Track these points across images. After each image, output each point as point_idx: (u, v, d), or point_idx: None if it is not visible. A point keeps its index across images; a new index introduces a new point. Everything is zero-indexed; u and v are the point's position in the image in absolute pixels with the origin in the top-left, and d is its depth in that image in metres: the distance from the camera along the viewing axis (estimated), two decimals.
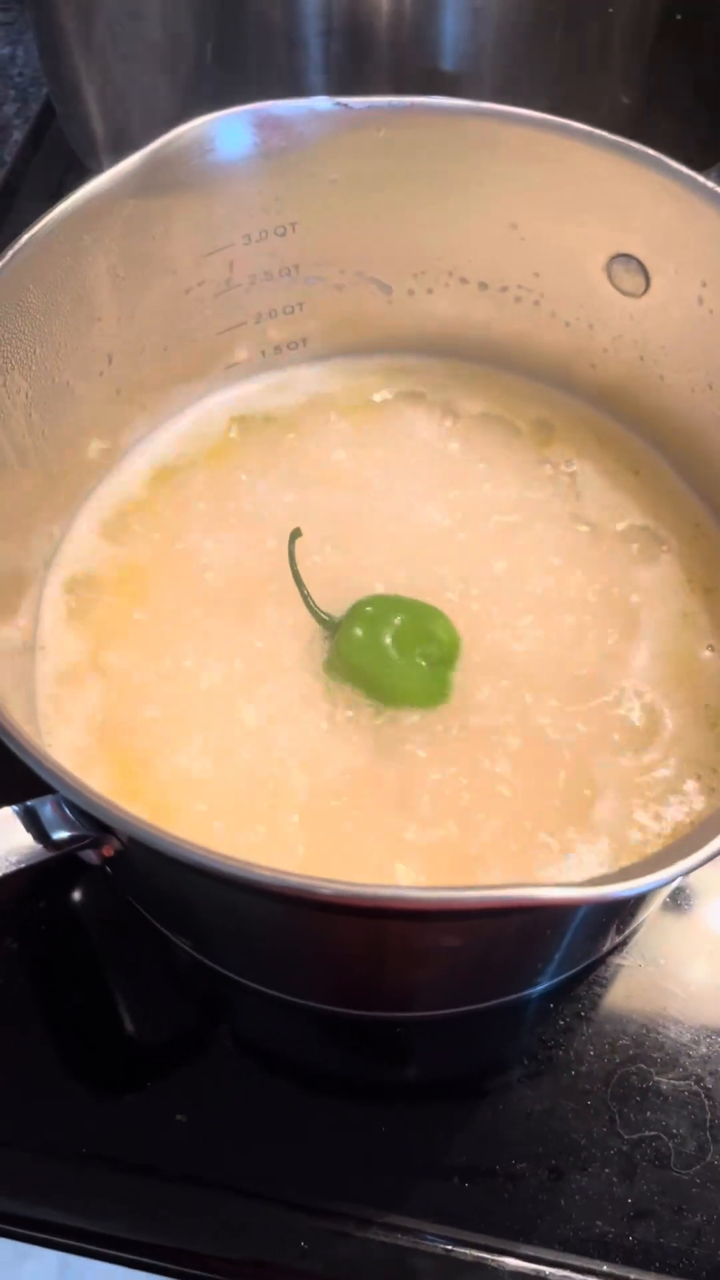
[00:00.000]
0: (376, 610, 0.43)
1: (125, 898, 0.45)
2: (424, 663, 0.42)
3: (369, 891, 0.27)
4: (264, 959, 0.42)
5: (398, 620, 0.42)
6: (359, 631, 0.42)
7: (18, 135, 0.69)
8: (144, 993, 0.45)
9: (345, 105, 0.41)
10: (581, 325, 0.48)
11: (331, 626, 0.43)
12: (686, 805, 0.42)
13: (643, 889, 0.28)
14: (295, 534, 0.43)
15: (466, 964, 0.39)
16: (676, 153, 0.42)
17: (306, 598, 0.43)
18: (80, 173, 0.66)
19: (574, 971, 0.44)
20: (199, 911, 0.40)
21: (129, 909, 0.45)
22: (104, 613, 0.45)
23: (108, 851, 0.32)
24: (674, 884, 0.39)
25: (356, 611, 0.42)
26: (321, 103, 0.41)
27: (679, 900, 0.46)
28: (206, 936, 0.43)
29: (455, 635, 0.43)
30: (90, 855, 0.32)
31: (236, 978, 0.44)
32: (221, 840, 0.40)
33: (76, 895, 0.46)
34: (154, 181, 0.41)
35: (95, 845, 0.32)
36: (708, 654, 0.45)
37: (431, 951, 0.37)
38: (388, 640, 0.42)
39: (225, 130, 0.41)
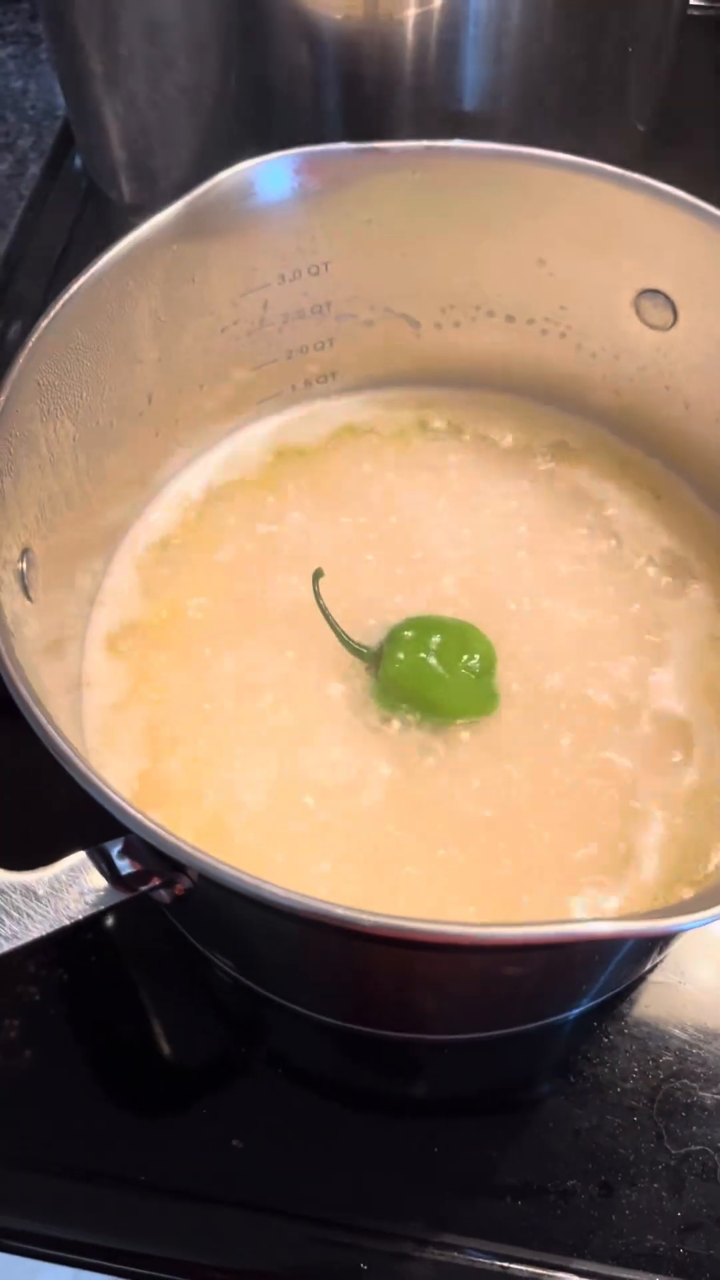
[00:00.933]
0: (415, 633, 0.44)
1: (168, 925, 0.46)
2: (469, 674, 0.44)
3: (445, 930, 0.28)
4: (314, 986, 0.43)
5: (436, 639, 0.43)
6: (403, 655, 0.43)
7: (34, 169, 0.70)
8: (191, 1020, 0.45)
9: (381, 150, 0.42)
10: (607, 355, 0.49)
11: (368, 657, 0.44)
12: None
13: (699, 923, 0.29)
14: (318, 574, 0.44)
15: (515, 989, 0.40)
16: (691, 175, 0.44)
17: (338, 631, 0.44)
18: (99, 202, 0.67)
19: (617, 990, 0.45)
20: (254, 941, 0.41)
21: (171, 937, 0.46)
22: (147, 648, 0.46)
23: (179, 890, 0.33)
24: None
25: (396, 638, 0.43)
26: (358, 147, 0.42)
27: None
28: (257, 964, 0.43)
29: (489, 643, 0.45)
30: (162, 894, 0.33)
31: (282, 1001, 0.44)
32: (279, 873, 0.41)
33: (121, 925, 0.47)
34: (195, 227, 0.42)
35: (168, 885, 0.33)
36: None
37: (484, 979, 0.38)
38: (433, 660, 0.43)
39: (267, 175, 0.42)
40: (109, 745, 0.44)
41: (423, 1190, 0.42)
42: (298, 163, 0.41)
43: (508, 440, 0.52)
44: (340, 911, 0.28)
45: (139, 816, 0.30)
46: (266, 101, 0.52)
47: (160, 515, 0.50)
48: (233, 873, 0.29)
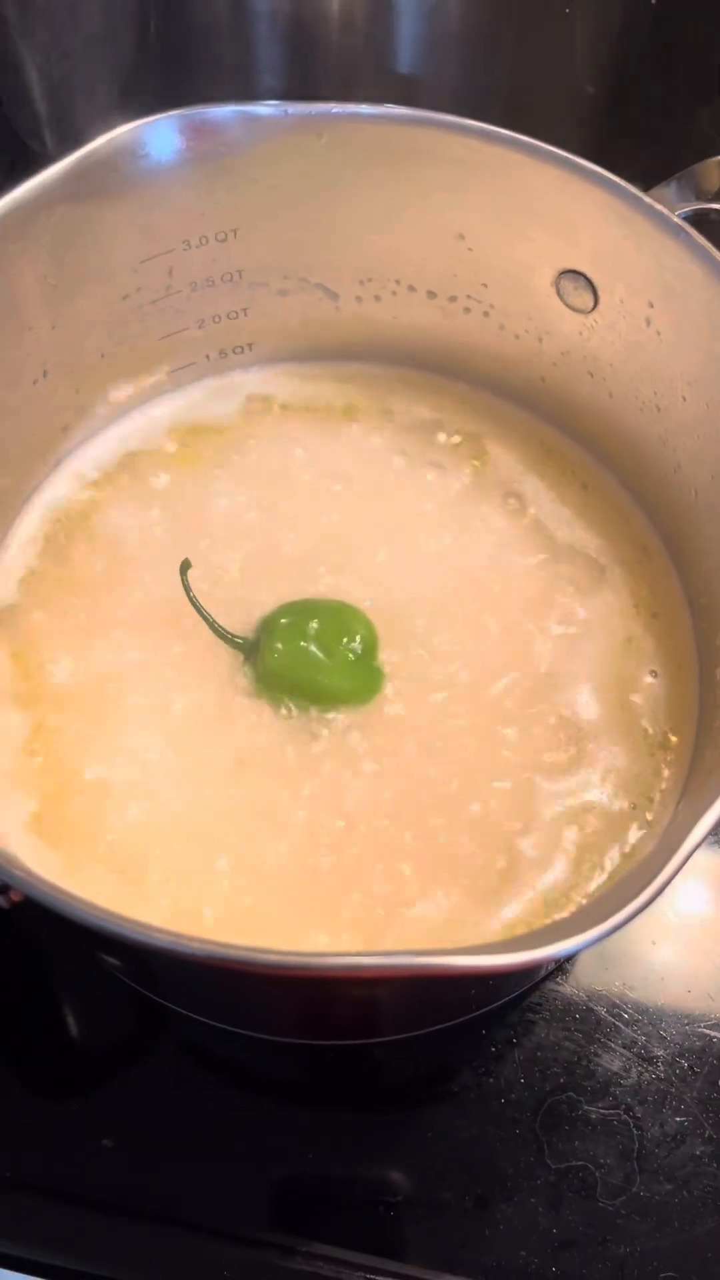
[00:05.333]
0: (291, 620, 0.42)
1: None
2: (351, 656, 0.42)
3: (266, 958, 0.27)
4: (188, 990, 0.41)
5: (314, 624, 0.42)
6: (281, 645, 0.41)
7: None
8: (67, 1018, 0.44)
9: (282, 110, 0.40)
10: (531, 338, 0.47)
11: (245, 648, 0.43)
12: (621, 836, 0.41)
13: (553, 956, 0.28)
14: (185, 565, 0.42)
15: (391, 1003, 0.39)
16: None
17: (211, 622, 0.42)
18: (28, 154, 0.64)
19: (509, 998, 0.44)
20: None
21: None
22: (35, 629, 0.44)
23: (15, 897, 0.32)
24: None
25: (272, 627, 0.41)
26: (257, 107, 0.40)
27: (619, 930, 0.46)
28: (130, 963, 0.42)
29: (369, 622, 0.43)
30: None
31: (161, 1001, 0.43)
32: (157, 874, 0.39)
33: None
34: (83, 188, 0.39)
35: (3, 892, 0.31)
36: (649, 679, 0.44)
37: (352, 997, 0.37)
38: (313, 647, 0.41)
39: (155, 135, 0.39)
40: None
41: (293, 1198, 0.41)
42: (187, 123, 0.39)
43: (430, 421, 0.50)
44: (133, 933, 0.26)
45: None
46: (186, 61, 0.49)
47: (61, 489, 0.48)
48: (48, 891, 0.28)
